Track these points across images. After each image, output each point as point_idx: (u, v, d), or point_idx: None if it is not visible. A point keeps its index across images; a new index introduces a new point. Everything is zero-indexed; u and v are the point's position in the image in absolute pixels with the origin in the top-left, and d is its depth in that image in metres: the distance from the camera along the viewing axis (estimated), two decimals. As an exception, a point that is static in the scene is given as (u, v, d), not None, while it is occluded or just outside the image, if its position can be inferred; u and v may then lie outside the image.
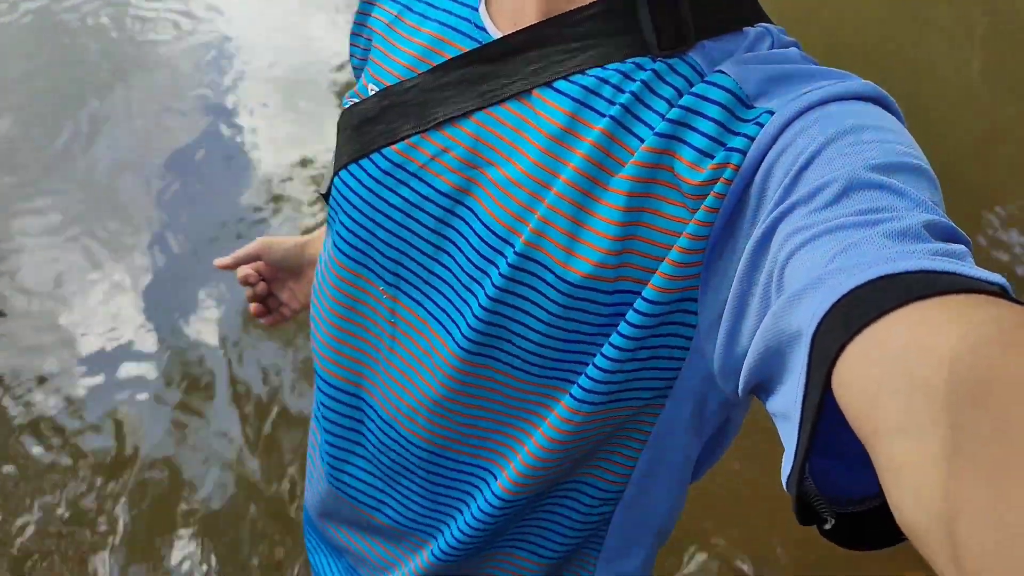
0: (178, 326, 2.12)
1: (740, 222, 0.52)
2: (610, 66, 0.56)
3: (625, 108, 0.55)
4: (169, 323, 2.13)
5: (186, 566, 1.73)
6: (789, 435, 0.42)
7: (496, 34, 0.60)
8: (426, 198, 0.62)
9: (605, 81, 0.56)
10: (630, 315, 0.56)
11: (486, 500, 0.67)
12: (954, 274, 0.37)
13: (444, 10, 0.63)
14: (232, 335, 2.11)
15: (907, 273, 0.38)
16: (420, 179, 0.62)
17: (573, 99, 0.56)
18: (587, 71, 0.56)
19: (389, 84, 0.65)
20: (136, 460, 1.87)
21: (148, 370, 2.04)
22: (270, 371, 2.05)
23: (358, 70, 0.74)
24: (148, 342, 2.09)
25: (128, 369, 2.04)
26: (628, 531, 0.71)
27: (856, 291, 0.38)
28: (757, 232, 0.49)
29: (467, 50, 0.61)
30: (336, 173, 0.68)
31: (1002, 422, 0.28)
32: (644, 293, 0.55)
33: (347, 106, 0.68)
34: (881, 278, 0.38)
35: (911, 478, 0.31)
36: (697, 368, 0.58)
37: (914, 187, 0.45)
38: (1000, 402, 0.29)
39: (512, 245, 0.58)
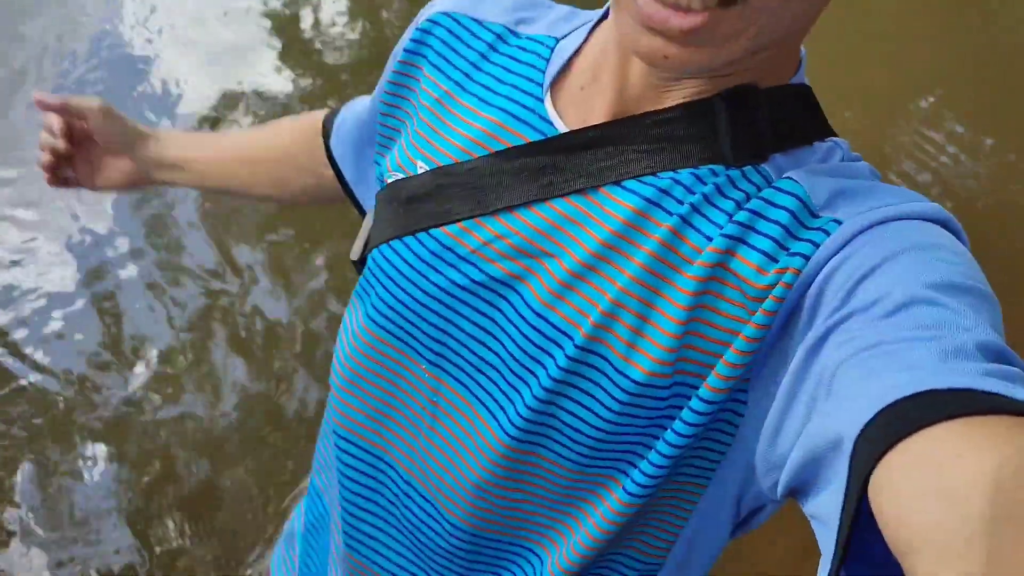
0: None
1: (794, 325, 0.52)
2: (683, 171, 0.56)
3: (694, 207, 0.55)
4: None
5: None
6: (827, 541, 0.42)
7: (561, 128, 0.60)
8: (477, 283, 0.61)
9: (678, 182, 0.56)
10: (685, 413, 0.56)
11: None
12: (1002, 396, 0.38)
13: (506, 97, 0.63)
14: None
15: (953, 390, 0.38)
16: (472, 264, 0.62)
17: (643, 197, 0.56)
18: (659, 173, 0.56)
19: (441, 163, 0.64)
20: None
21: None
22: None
23: (388, 128, 0.73)
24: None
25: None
26: None
27: (900, 403, 0.39)
28: (812, 336, 0.49)
29: (529, 140, 0.61)
30: (377, 245, 0.68)
31: None
32: (700, 392, 0.55)
33: (392, 179, 0.68)
34: (926, 392, 0.39)
35: None
36: (739, 457, 0.58)
37: (972, 308, 0.46)
38: None
39: (571, 338, 0.58)
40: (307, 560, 0.87)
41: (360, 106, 0.83)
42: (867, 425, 0.39)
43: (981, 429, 0.36)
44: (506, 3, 0.68)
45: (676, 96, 0.56)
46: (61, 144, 0.95)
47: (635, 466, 0.59)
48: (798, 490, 0.48)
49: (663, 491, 0.61)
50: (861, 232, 0.51)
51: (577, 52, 0.62)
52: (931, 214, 0.53)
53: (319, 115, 0.89)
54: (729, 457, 0.59)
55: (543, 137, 0.60)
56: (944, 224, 0.54)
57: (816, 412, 0.46)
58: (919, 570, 0.33)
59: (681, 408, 0.57)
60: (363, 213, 0.84)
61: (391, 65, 0.72)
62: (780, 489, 0.49)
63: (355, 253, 0.74)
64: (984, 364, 0.41)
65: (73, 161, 0.98)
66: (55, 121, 0.94)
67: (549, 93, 0.62)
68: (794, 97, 0.58)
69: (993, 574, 0.29)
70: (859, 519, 0.39)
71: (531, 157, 0.60)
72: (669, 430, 0.57)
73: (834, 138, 0.59)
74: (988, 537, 0.31)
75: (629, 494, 0.60)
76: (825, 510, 0.43)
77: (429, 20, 0.69)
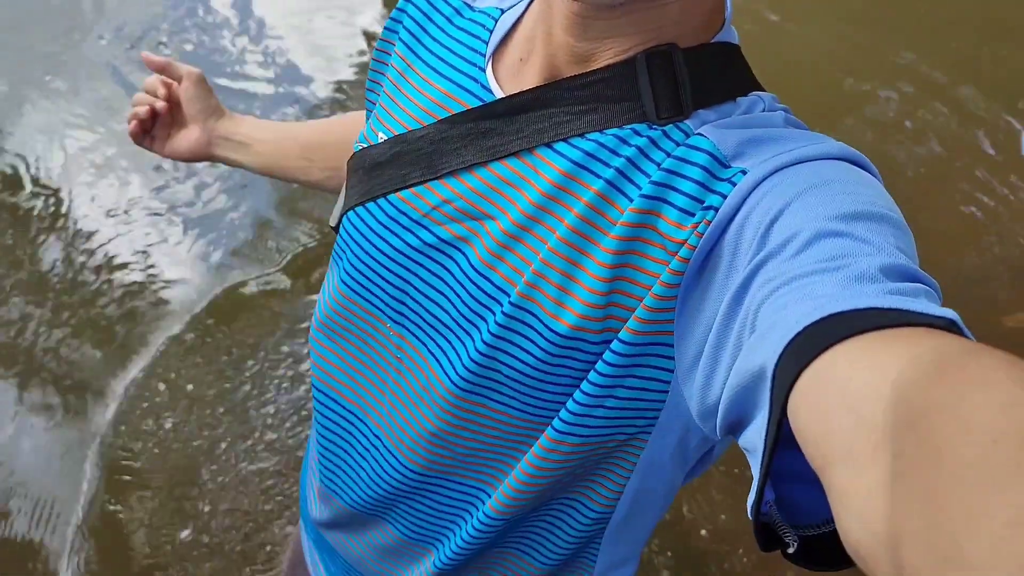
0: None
1: (712, 274, 0.54)
2: (608, 131, 0.59)
3: (619, 171, 0.58)
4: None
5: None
6: (755, 468, 0.44)
7: (500, 95, 0.64)
8: (428, 244, 0.66)
9: (603, 146, 0.59)
10: (606, 355, 0.60)
11: (479, 518, 0.73)
12: (902, 310, 0.40)
13: (453, 67, 0.67)
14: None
15: (856, 311, 0.40)
16: (423, 226, 0.66)
17: (571, 161, 0.59)
18: (587, 135, 0.59)
19: (397, 132, 0.69)
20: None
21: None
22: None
23: (371, 103, 0.78)
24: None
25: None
26: (620, 544, 0.75)
27: (808, 328, 0.41)
28: (733, 286, 0.51)
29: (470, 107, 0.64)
30: (345, 212, 0.72)
31: (935, 448, 0.29)
32: (620, 335, 0.59)
33: (358, 149, 0.72)
34: (831, 316, 0.41)
35: (856, 505, 0.33)
36: (677, 408, 0.61)
37: (877, 234, 0.48)
38: (936, 428, 0.30)
39: (508, 294, 0.62)
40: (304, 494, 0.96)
41: None
42: (781, 354, 0.41)
43: (881, 341, 0.38)
44: None
45: (600, 60, 0.59)
46: (161, 104, 0.99)
47: (566, 400, 0.63)
48: (734, 426, 0.50)
49: (600, 443, 0.64)
50: (766, 178, 0.53)
51: (517, 23, 0.65)
52: (836, 153, 0.55)
53: None
54: (667, 408, 0.62)
55: (484, 103, 0.64)
56: (851, 161, 0.55)
57: (741, 352, 0.48)
58: (834, 483, 0.35)
59: (604, 353, 0.60)
60: None
61: (377, 40, 0.77)
62: (718, 427, 0.51)
63: (333, 219, 0.79)
64: (888, 284, 0.43)
65: (160, 124, 1.02)
66: (158, 83, 0.99)
67: (491, 63, 0.65)
68: (717, 54, 0.60)
69: (899, 479, 0.31)
70: (779, 440, 0.41)
71: (475, 122, 0.63)
72: (592, 371, 0.60)
73: (758, 92, 0.61)
74: (892, 443, 0.32)
75: (557, 431, 0.64)
76: (753, 440, 0.45)
77: (402, 2, 0.73)
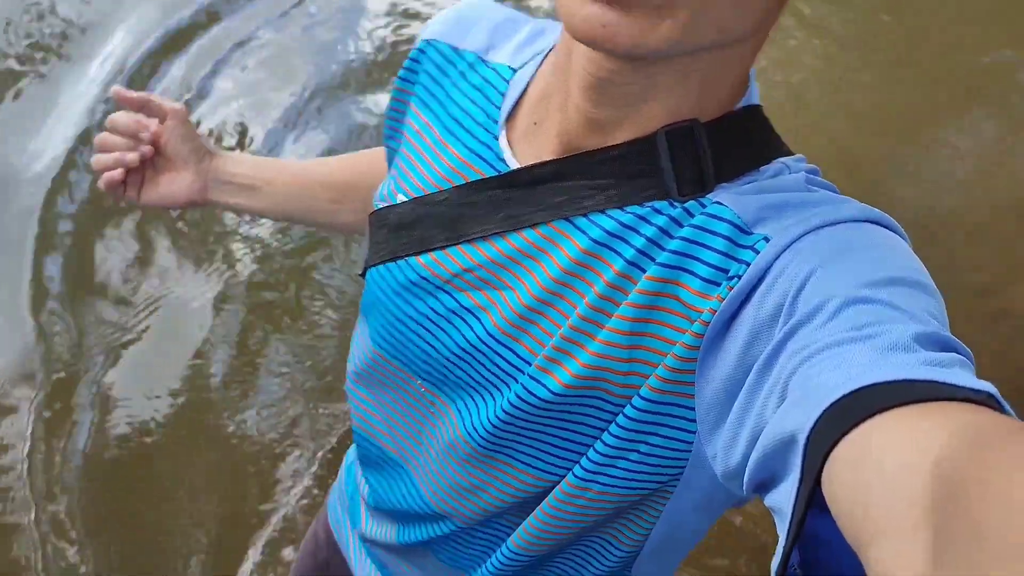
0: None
1: (734, 340, 0.54)
2: (629, 209, 0.59)
3: (640, 251, 0.58)
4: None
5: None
6: (783, 529, 0.44)
7: (514, 165, 0.63)
8: (450, 310, 0.66)
9: (624, 225, 0.58)
10: (627, 409, 0.60)
11: (503, 553, 0.74)
12: (939, 383, 0.39)
13: (467, 131, 0.67)
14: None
15: (892, 382, 0.40)
16: (446, 292, 0.66)
17: (592, 239, 0.59)
18: (607, 211, 0.59)
19: (415, 194, 0.69)
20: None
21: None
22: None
23: (391, 149, 0.78)
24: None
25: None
26: (648, 568, 0.75)
27: (843, 399, 0.40)
28: (762, 354, 0.51)
29: (486, 176, 0.64)
30: (372, 265, 0.73)
31: (976, 527, 0.29)
32: (640, 392, 0.59)
33: (379, 207, 0.73)
34: (867, 387, 0.40)
35: None
36: (702, 466, 0.61)
37: (908, 300, 0.48)
38: (975, 505, 0.30)
39: (529, 364, 0.63)
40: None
41: None
42: (815, 423, 0.41)
43: (918, 415, 0.37)
44: (488, 25, 0.71)
45: (619, 131, 0.58)
46: (146, 148, 0.88)
47: (584, 456, 0.64)
48: (761, 486, 0.50)
49: (622, 495, 0.65)
50: (790, 245, 0.53)
51: (531, 83, 0.65)
52: (859, 215, 0.54)
53: None
54: (691, 466, 0.62)
55: (498, 173, 0.64)
56: (876, 223, 0.55)
57: (771, 417, 0.48)
58: (873, 560, 0.35)
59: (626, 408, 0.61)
60: None
61: (392, 90, 0.77)
62: (744, 489, 0.51)
63: (360, 267, 0.80)
64: (923, 354, 0.43)
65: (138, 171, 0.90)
66: (134, 122, 0.87)
67: (505, 129, 0.65)
68: (739, 124, 0.59)
69: (941, 558, 0.31)
70: (807, 511, 0.41)
71: (493, 191, 0.64)
72: (613, 424, 0.61)
73: (783, 158, 0.60)
74: (932, 521, 0.32)
75: (577, 478, 0.65)
76: (782, 503, 0.45)
77: (418, 49, 0.73)
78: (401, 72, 0.74)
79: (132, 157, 0.87)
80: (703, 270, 0.56)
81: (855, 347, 0.44)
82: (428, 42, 0.72)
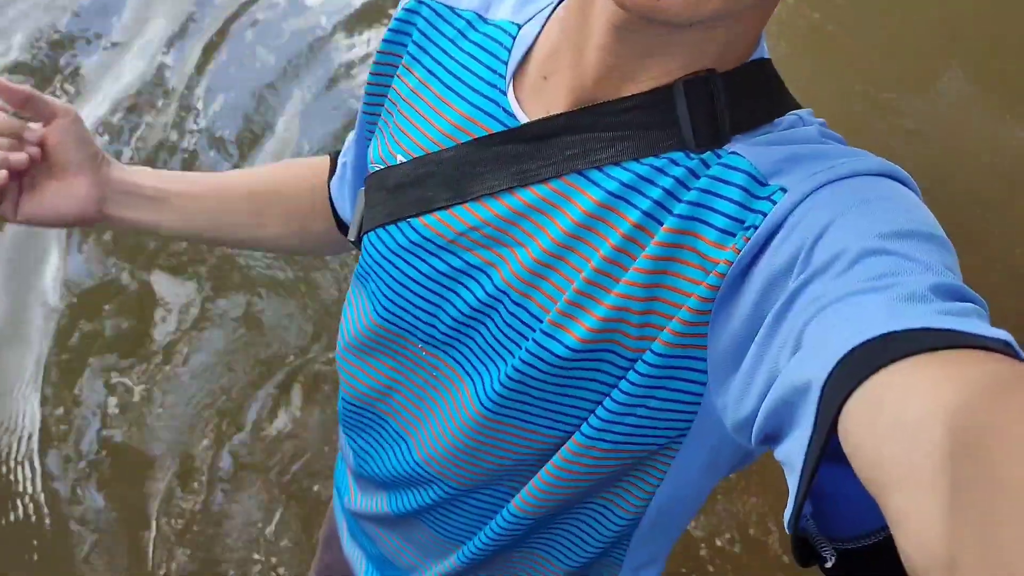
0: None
1: (749, 290, 0.54)
2: (645, 160, 0.58)
3: (656, 202, 0.57)
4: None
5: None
6: (792, 483, 0.44)
7: (524, 119, 0.62)
8: (456, 269, 0.65)
9: (640, 176, 0.58)
10: (638, 365, 0.60)
11: (503, 516, 0.73)
12: (956, 331, 0.39)
13: (472, 88, 0.65)
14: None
15: (909, 331, 0.40)
16: (451, 252, 0.65)
17: (606, 191, 0.58)
18: (622, 163, 0.58)
19: (416, 154, 0.68)
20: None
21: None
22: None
23: (371, 115, 0.76)
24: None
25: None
26: (647, 545, 0.75)
27: (859, 348, 0.41)
28: (776, 303, 0.51)
29: (493, 132, 0.63)
30: (370, 229, 0.72)
31: (993, 471, 0.30)
32: (652, 347, 0.59)
33: (375, 169, 0.72)
34: (883, 336, 0.40)
35: (915, 529, 0.34)
36: (709, 418, 0.61)
37: (924, 252, 0.48)
38: (992, 452, 0.30)
39: (540, 321, 0.62)
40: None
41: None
42: (831, 372, 0.41)
43: (936, 363, 0.38)
44: None
45: (635, 82, 0.58)
46: (36, 151, 0.74)
47: (592, 413, 0.64)
48: (770, 437, 0.50)
49: (629, 451, 0.64)
50: (807, 196, 0.53)
51: (537, 38, 0.64)
52: (876, 168, 0.54)
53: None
54: (699, 419, 0.62)
55: (507, 128, 0.63)
56: (891, 176, 0.55)
57: (784, 367, 0.48)
58: (892, 508, 0.35)
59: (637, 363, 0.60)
60: None
61: (376, 53, 0.75)
62: (754, 438, 0.52)
63: (351, 234, 0.78)
64: (939, 303, 0.43)
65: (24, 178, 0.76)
66: (13, 123, 0.73)
67: (512, 84, 0.64)
68: (753, 76, 0.59)
69: (957, 505, 0.31)
70: (823, 456, 0.41)
71: (501, 146, 0.63)
72: (624, 380, 0.61)
73: (796, 111, 0.60)
74: (950, 469, 0.32)
75: (585, 437, 0.64)
76: (792, 454, 0.45)
77: (407, 9, 0.71)
78: (388, 33, 0.72)
79: (19, 158, 0.72)
80: (719, 220, 0.56)
81: (871, 297, 0.44)
82: (420, 2, 0.71)
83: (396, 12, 0.72)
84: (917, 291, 0.44)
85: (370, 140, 0.77)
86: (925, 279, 0.45)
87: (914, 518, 0.34)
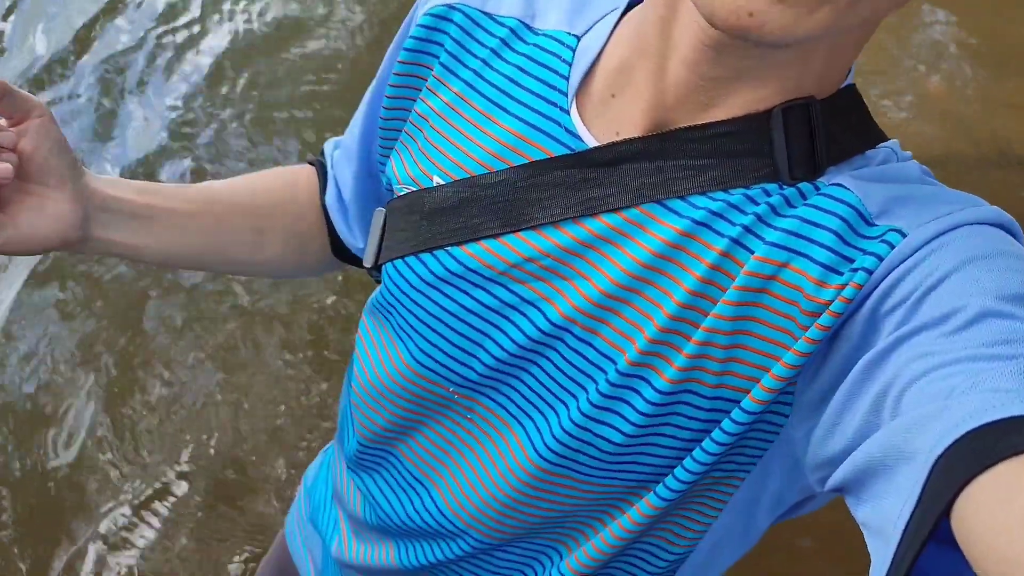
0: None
1: (847, 332, 0.51)
2: (736, 191, 0.53)
3: (747, 229, 0.53)
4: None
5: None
6: (880, 551, 0.41)
7: (592, 142, 0.56)
8: (507, 304, 0.59)
9: (729, 204, 0.53)
10: (726, 423, 0.55)
11: (552, 574, 0.67)
12: None
13: (526, 105, 0.59)
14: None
15: None
16: (500, 284, 0.59)
17: (691, 219, 0.53)
18: (708, 193, 0.53)
19: (457, 176, 0.60)
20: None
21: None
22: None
23: (392, 131, 0.68)
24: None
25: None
26: None
27: (986, 428, 0.37)
28: (874, 347, 0.48)
29: (554, 155, 0.57)
30: (395, 257, 0.64)
31: None
32: (743, 404, 0.54)
33: (406, 192, 0.64)
34: (1016, 418, 0.37)
35: None
36: (781, 453, 0.58)
37: None
38: None
39: (615, 362, 0.56)
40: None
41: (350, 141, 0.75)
42: (951, 445, 0.38)
43: None
44: None
45: (725, 105, 0.53)
46: (14, 159, 0.60)
47: (668, 474, 0.58)
48: (849, 489, 0.47)
49: (695, 490, 0.60)
50: (926, 243, 0.50)
51: (602, 51, 0.58)
52: (992, 218, 0.52)
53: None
54: (771, 453, 0.58)
55: (570, 151, 0.57)
56: (1005, 227, 0.52)
57: (885, 422, 0.45)
58: None
59: (721, 419, 0.55)
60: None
61: (392, 62, 0.67)
62: (829, 484, 0.49)
63: (368, 260, 0.70)
64: None
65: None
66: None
67: (574, 102, 0.58)
68: (849, 104, 0.55)
69: None
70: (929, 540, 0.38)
71: (565, 170, 0.56)
72: (709, 439, 0.56)
73: (886, 142, 0.57)
74: None
75: (660, 499, 0.59)
76: (884, 521, 0.42)
77: (432, 15, 0.63)
78: (410, 41, 0.64)
79: (2, 168, 0.58)
80: (820, 254, 0.51)
81: (994, 366, 0.41)
82: (451, 7, 0.63)
83: (415, 16, 0.65)
84: None
85: (386, 157, 0.70)
86: None
87: None
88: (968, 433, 0.38)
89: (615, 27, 0.58)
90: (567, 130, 0.57)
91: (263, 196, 0.76)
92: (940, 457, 0.38)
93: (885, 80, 2.55)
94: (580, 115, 0.57)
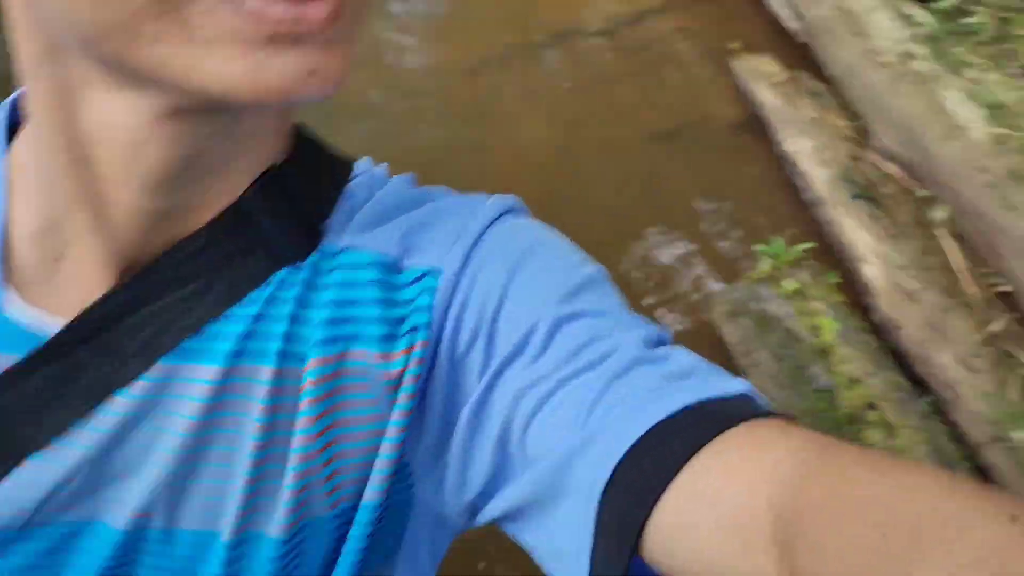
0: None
1: (436, 386, 0.49)
2: (251, 299, 0.47)
3: (286, 337, 0.47)
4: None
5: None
6: (563, 571, 0.43)
7: (54, 323, 0.45)
8: (53, 546, 0.46)
9: (256, 318, 0.47)
10: (354, 530, 0.50)
11: None
12: (716, 400, 0.41)
13: None
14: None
15: (675, 417, 0.41)
16: (36, 527, 0.46)
17: (224, 354, 0.46)
18: (223, 314, 0.46)
19: None
20: None
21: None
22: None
23: None
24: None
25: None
26: None
27: (637, 446, 0.40)
28: (476, 393, 0.47)
29: (20, 357, 0.45)
30: None
31: (818, 545, 0.32)
32: (365, 501, 0.49)
33: None
34: (655, 428, 0.40)
35: None
36: (420, 519, 0.55)
37: (603, 298, 0.48)
38: (812, 528, 0.33)
39: (217, 535, 0.47)
40: None
41: None
42: (614, 472, 0.40)
43: (726, 452, 0.39)
44: None
45: (197, 215, 0.46)
46: None
47: None
48: (506, 521, 0.47)
49: None
50: (461, 271, 0.48)
51: (5, 218, 0.46)
52: (500, 211, 0.52)
53: None
54: (413, 519, 0.55)
55: (33, 343, 0.45)
56: (512, 213, 0.52)
57: (521, 462, 0.46)
58: None
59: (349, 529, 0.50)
60: None
61: None
62: (482, 521, 0.49)
63: None
64: (661, 367, 0.44)
65: None
66: None
67: (5, 287, 0.45)
68: (307, 148, 0.51)
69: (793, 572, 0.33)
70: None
71: (47, 366, 0.45)
72: (344, 552, 0.50)
73: (356, 170, 0.53)
74: (779, 547, 0.34)
75: None
76: (553, 547, 0.44)
77: None
78: None
79: None
80: (372, 330, 0.48)
81: (592, 376, 0.44)
82: None
83: None
84: (634, 357, 0.44)
85: None
86: (629, 339, 0.45)
87: None
88: (620, 461, 0.40)
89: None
90: (10, 323, 0.45)
91: None
92: (601, 503, 0.40)
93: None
94: (23, 296, 0.46)
